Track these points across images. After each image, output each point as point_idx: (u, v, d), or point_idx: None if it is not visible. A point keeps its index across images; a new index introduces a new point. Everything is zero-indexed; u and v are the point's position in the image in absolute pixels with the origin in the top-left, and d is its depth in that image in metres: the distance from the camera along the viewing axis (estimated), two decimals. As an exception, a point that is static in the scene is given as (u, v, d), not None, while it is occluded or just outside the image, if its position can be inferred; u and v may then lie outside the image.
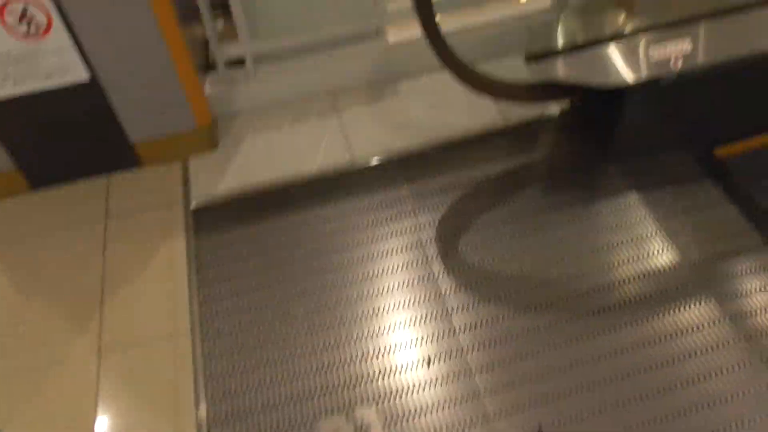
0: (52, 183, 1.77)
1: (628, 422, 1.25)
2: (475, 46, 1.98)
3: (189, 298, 1.50)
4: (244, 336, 1.43)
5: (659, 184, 1.68)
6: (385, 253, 1.57)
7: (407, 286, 1.50)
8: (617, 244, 1.55)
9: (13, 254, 1.64)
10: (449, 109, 1.88)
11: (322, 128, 1.87)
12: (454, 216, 1.65)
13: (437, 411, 1.29)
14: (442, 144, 1.80)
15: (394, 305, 1.46)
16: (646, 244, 1.55)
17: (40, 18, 1.39)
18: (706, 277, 1.48)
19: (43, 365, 1.41)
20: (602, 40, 1.56)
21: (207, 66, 1.89)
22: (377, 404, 1.31)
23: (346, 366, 1.37)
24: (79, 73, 1.52)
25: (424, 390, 1.32)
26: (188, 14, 1.68)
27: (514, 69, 1.76)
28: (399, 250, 1.57)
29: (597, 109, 1.74)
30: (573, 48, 1.56)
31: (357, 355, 1.38)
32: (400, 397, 1.32)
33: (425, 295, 1.48)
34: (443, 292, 1.48)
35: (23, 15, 1.37)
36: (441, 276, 1.51)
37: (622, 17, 1.63)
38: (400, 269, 1.53)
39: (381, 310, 1.46)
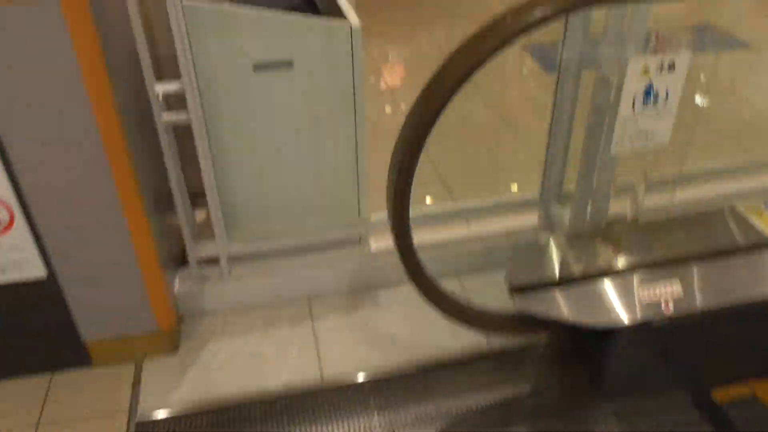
0: (-13, 378, 1.60)
1: None
2: (460, 259, 1.94)
3: None
4: None
5: (655, 428, 1.54)
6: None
7: None
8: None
9: None
10: (430, 325, 1.78)
11: (294, 337, 1.74)
12: (430, 455, 1.47)
13: None
14: (421, 366, 1.66)
15: None
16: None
17: (3, 215, 1.32)
18: None
19: None
20: (590, 277, 1.51)
21: (182, 258, 1.81)
22: None
23: None
24: (36, 270, 1.43)
25: None
26: (164, 203, 1.64)
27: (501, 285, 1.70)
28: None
29: (586, 345, 1.63)
30: (558, 282, 1.50)
31: None
32: None
33: None
34: None
35: (-15, 212, 1.31)
36: None
37: (610, 252, 1.59)
38: None
39: None
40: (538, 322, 1.50)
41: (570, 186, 1.80)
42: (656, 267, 1.53)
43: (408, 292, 1.89)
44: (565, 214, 1.90)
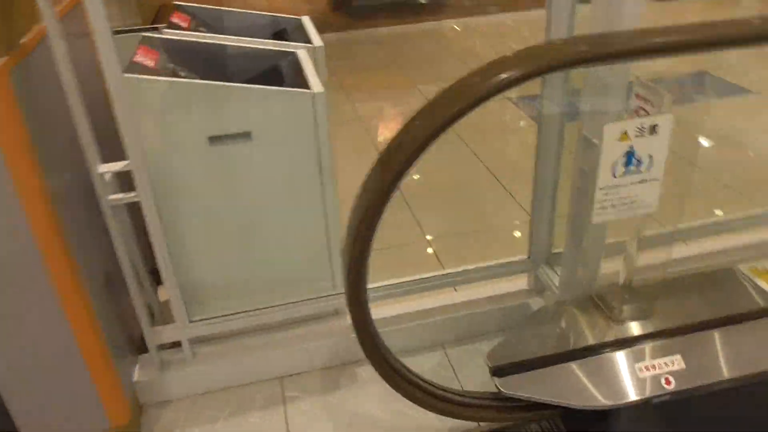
0: None
1: None
2: (445, 328, 1.80)
3: None
4: None
5: None
6: None
7: None
8: None
9: None
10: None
11: (265, 424, 1.60)
12: None
13: None
14: (402, 457, 1.52)
15: None
16: None
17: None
18: None
19: None
20: (581, 352, 1.37)
21: (141, 344, 1.68)
22: None
23: None
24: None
25: None
26: (121, 285, 1.52)
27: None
28: None
29: (582, 426, 1.48)
30: (545, 361, 1.36)
31: None
32: None
33: None
34: None
35: None
36: None
37: (602, 322, 1.46)
38: None
39: None
40: (526, 405, 1.36)
41: (561, 247, 1.68)
42: (654, 337, 1.39)
43: (389, 367, 1.75)
44: (555, 278, 1.78)
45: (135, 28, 1.63)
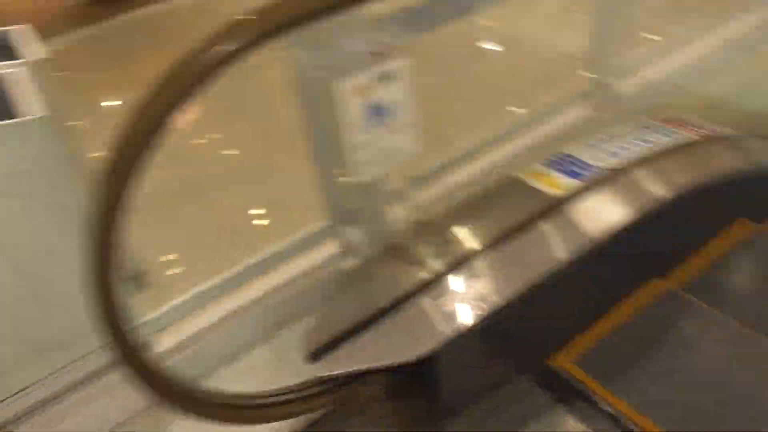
0: None
1: None
2: (268, 315, 1.71)
3: None
4: None
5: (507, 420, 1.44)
6: None
7: None
8: None
9: None
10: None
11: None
12: None
13: None
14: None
15: None
16: None
17: None
18: None
19: None
20: (389, 307, 1.35)
21: None
22: None
23: None
24: None
25: None
26: None
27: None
28: None
29: (410, 380, 1.48)
30: (359, 328, 1.32)
31: None
32: None
33: None
34: None
35: None
36: None
37: (403, 270, 1.45)
38: None
39: None
40: (342, 384, 1.31)
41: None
42: (456, 268, 1.41)
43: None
44: (359, 236, 1.74)
45: None
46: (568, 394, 1.51)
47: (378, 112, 1.12)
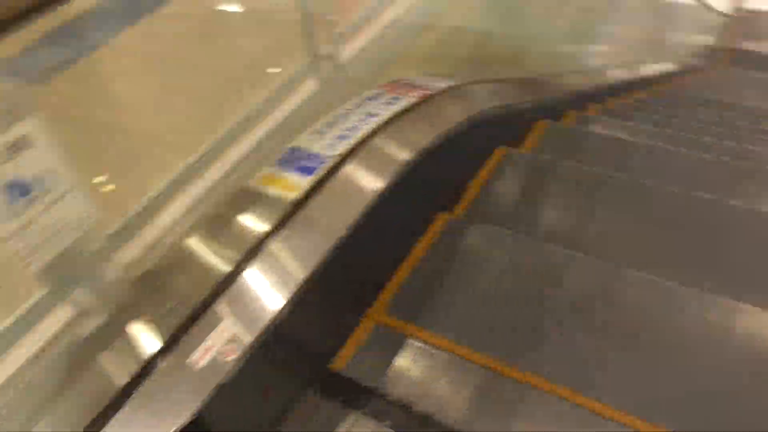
0: None
1: None
2: None
3: None
4: None
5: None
6: None
7: None
8: None
9: None
10: None
11: None
12: None
13: None
14: None
15: None
16: None
17: None
18: None
19: None
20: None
21: None
22: None
23: None
24: None
25: None
26: None
27: None
28: None
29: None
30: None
31: None
32: None
33: None
34: None
35: None
36: None
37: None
38: None
39: None
40: None
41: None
42: (197, 316, 1.20)
43: None
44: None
45: None
46: (357, 396, 1.42)
47: (21, 191, 0.85)
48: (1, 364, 1.41)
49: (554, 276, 1.53)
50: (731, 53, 12.69)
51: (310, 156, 1.45)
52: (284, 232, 1.29)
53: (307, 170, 1.42)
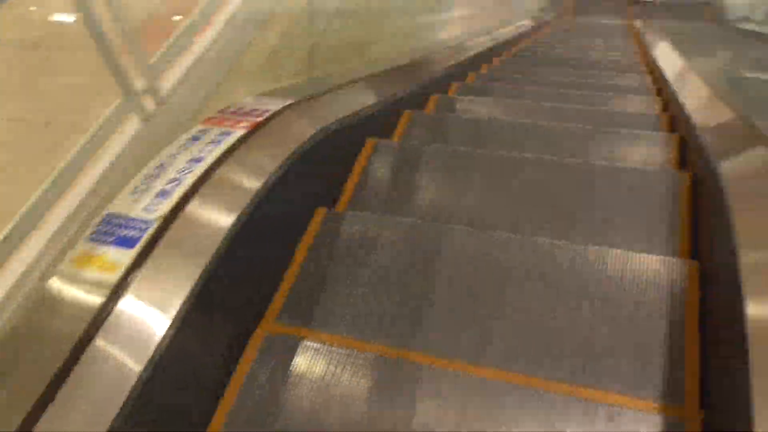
0: None
1: None
2: None
3: None
4: None
5: None
6: None
7: None
8: None
9: None
10: None
11: None
12: None
13: None
14: None
15: None
16: None
17: None
18: None
19: None
20: None
21: None
22: None
23: None
24: None
25: None
26: None
27: None
28: None
29: None
30: None
31: None
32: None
33: None
34: None
35: None
36: None
37: None
38: None
39: None
40: None
41: None
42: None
43: None
44: None
45: None
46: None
47: None
48: None
49: (430, 252, 1.57)
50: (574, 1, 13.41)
51: (130, 223, 1.25)
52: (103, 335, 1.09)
53: (127, 242, 1.22)
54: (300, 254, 1.61)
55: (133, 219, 1.26)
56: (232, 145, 1.44)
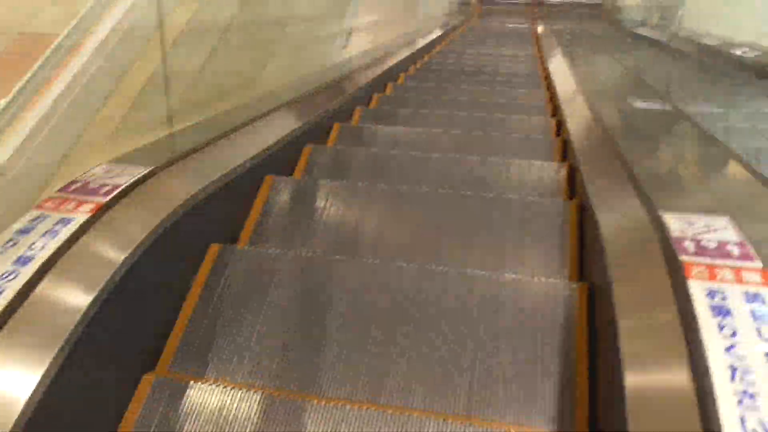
0: None
1: None
2: None
3: None
4: None
5: None
6: None
7: None
8: None
9: None
10: None
11: None
12: None
13: None
14: None
15: None
16: None
17: None
18: None
19: None
20: None
21: None
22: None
23: None
24: None
25: None
26: None
27: None
28: None
29: None
30: None
31: None
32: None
33: None
34: None
35: None
36: None
37: None
38: None
39: None
40: None
41: None
42: None
43: None
44: None
45: None
46: None
47: None
48: None
49: (323, 287, 1.57)
50: (480, 4, 13.63)
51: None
52: None
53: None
54: (192, 297, 1.55)
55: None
56: (71, 236, 1.23)
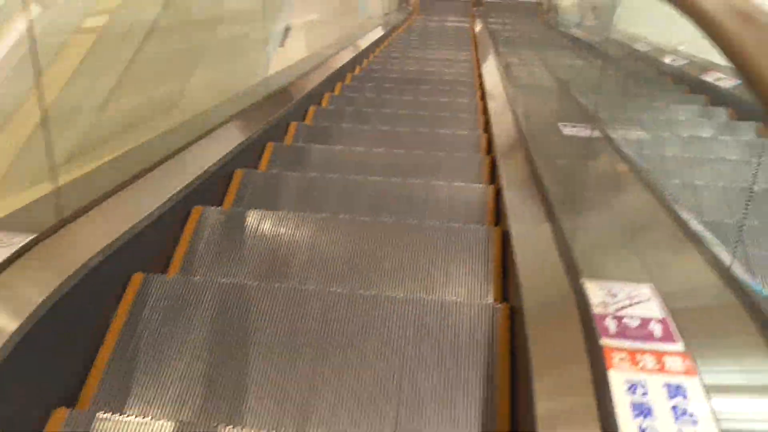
0: None
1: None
2: None
3: None
4: None
5: None
6: None
7: None
8: None
9: None
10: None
11: None
12: None
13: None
14: None
15: None
16: None
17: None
18: None
19: None
20: None
21: None
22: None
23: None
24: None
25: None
26: None
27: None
28: None
29: None
30: None
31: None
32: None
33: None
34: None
35: None
36: None
37: None
38: None
39: None
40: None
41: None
42: None
43: None
44: None
45: None
46: None
47: None
48: None
49: (243, 316, 1.58)
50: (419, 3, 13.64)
51: None
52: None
53: None
54: (115, 327, 1.55)
55: None
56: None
